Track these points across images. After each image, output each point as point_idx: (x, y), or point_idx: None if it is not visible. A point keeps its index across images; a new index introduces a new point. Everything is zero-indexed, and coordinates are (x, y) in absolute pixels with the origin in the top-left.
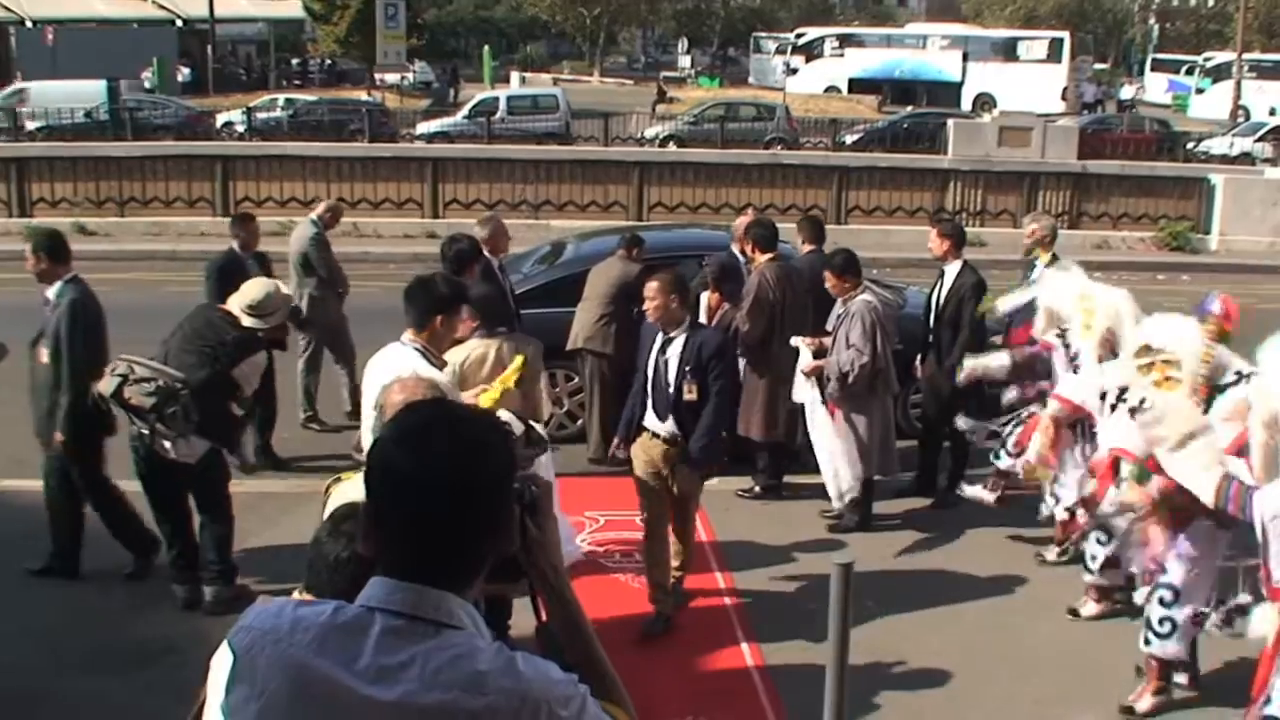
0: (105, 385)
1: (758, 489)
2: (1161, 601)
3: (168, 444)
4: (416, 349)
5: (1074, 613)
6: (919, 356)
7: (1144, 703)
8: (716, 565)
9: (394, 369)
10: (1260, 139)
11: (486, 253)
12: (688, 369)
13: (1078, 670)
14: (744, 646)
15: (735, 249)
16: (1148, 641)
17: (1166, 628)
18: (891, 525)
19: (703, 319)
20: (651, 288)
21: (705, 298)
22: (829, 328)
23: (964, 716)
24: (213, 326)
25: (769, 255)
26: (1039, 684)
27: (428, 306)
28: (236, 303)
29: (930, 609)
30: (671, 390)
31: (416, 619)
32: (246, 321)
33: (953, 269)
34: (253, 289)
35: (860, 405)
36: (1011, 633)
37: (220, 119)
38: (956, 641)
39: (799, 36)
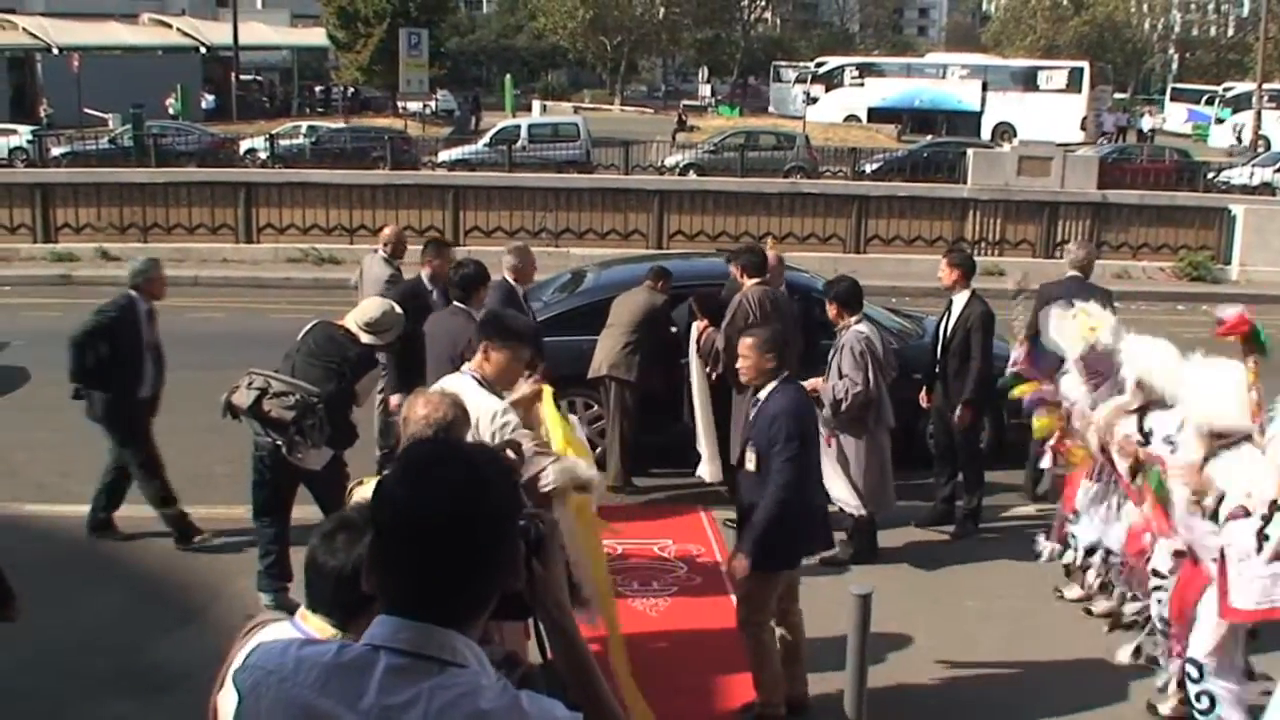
0: (242, 399)
1: None
2: (1190, 679)
3: (301, 454)
4: (475, 378)
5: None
6: (926, 386)
7: None
8: (732, 589)
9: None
10: None
11: (512, 280)
12: (750, 435)
13: (1095, 708)
14: None
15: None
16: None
17: (1205, 703)
18: (911, 556)
19: (692, 349)
20: (745, 345)
21: (694, 327)
22: (828, 359)
23: None
24: (335, 343)
25: (755, 280)
26: (1049, 712)
27: (495, 339)
28: (354, 319)
29: (948, 641)
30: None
31: (420, 657)
32: (364, 338)
33: (960, 299)
34: (370, 307)
35: (855, 435)
36: (1028, 666)
37: (243, 146)
38: (975, 673)
39: (819, 66)
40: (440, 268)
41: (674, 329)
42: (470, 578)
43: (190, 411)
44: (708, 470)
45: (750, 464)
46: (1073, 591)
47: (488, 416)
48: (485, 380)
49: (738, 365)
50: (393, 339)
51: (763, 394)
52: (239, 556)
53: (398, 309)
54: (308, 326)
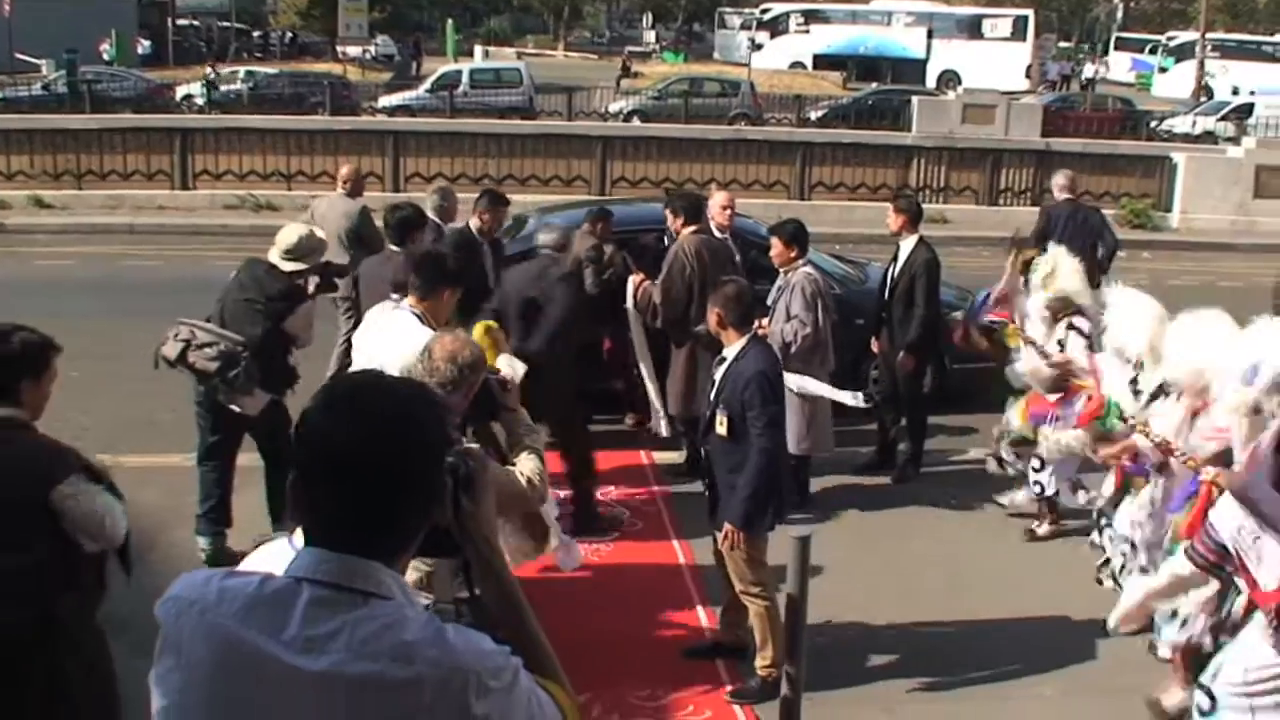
0: (169, 350)
1: (685, 466)
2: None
3: (234, 404)
4: (415, 314)
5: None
6: (874, 332)
7: (1172, 698)
8: (675, 540)
9: (395, 329)
10: (1222, 118)
11: (439, 221)
12: (721, 397)
13: (1033, 644)
14: (703, 618)
15: (712, 226)
16: (1158, 632)
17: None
18: (851, 500)
19: (629, 302)
20: (711, 299)
21: (631, 280)
22: (769, 301)
23: (920, 685)
24: (258, 282)
25: (692, 228)
26: (992, 655)
27: (437, 279)
28: (274, 252)
29: (890, 585)
30: (705, 418)
31: (344, 589)
32: (286, 267)
33: (907, 244)
34: (286, 234)
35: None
36: (967, 604)
37: (180, 91)
38: (913, 612)
39: (764, 12)
40: (490, 221)
41: (605, 275)
42: (392, 510)
43: (132, 359)
44: (664, 425)
45: (721, 428)
46: (1043, 529)
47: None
48: (425, 317)
49: (711, 322)
50: (318, 261)
51: (730, 352)
52: (176, 505)
53: (318, 233)
54: (239, 266)
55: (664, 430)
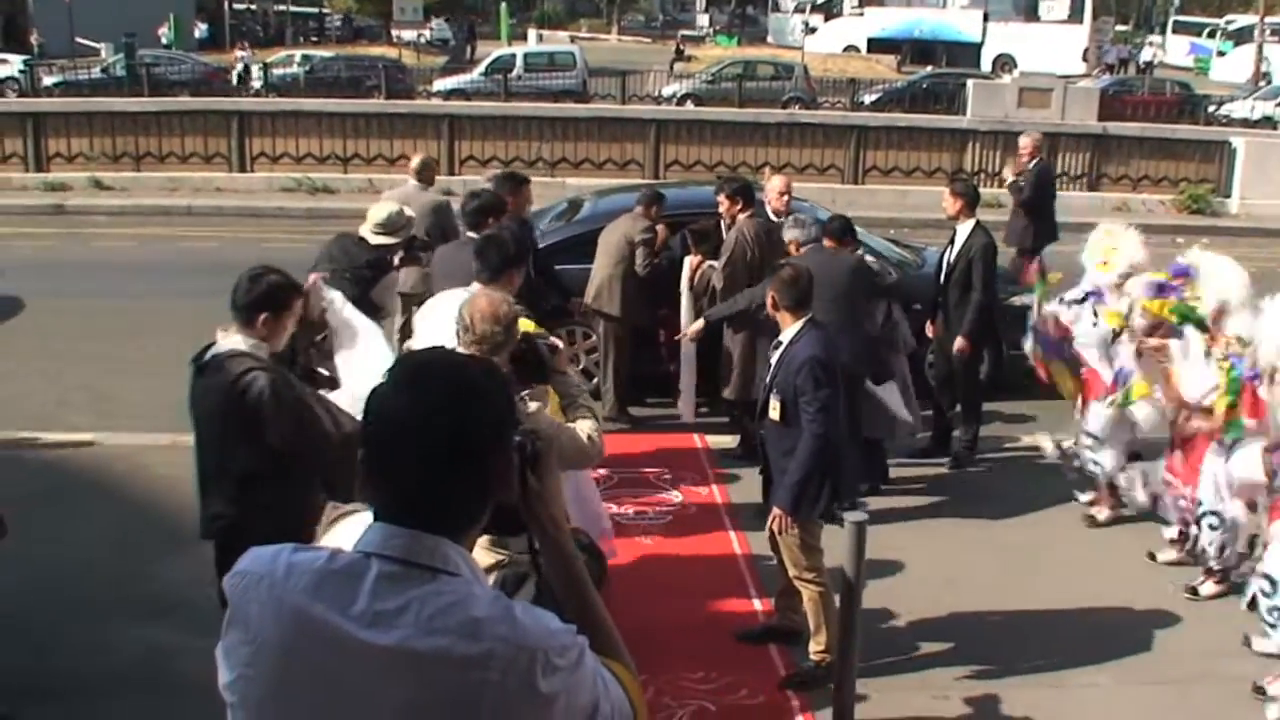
0: None
1: (739, 450)
2: (1262, 593)
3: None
4: None
5: (1193, 591)
6: (930, 317)
7: (1206, 589)
8: (729, 524)
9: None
10: None
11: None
12: (775, 381)
13: (1088, 632)
14: (756, 603)
15: (767, 210)
16: (1266, 635)
17: (1275, 617)
18: (907, 486)
19: (684, 283)
20: (768, 282)
21: (687, 261)
22: None
23: (973, 672)
24: (347, 253)
25: (748, 213)
26: (1047, 643)
27: (501, 263)
28: (365, 227)
29: (944, 571)
30: (760, 402)
31: (412, 565)
32: (375, 240)
33: (964, 229)
34: (377, 210)
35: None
36: (1022, 591)
37: (234, 76)
38: (967, 599)
39: None
40: (516, 204)
41: (657, 260)
42: (459, 486)
43: (193, 338)
44: (684, 410)
45: (774, 412)
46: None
47: None
48: None
49: (768, 304)
50: (406, 237)
51: (785, 336)
52: None
53: (408, 211)
54: (328, 240)
55: (686, 415)
